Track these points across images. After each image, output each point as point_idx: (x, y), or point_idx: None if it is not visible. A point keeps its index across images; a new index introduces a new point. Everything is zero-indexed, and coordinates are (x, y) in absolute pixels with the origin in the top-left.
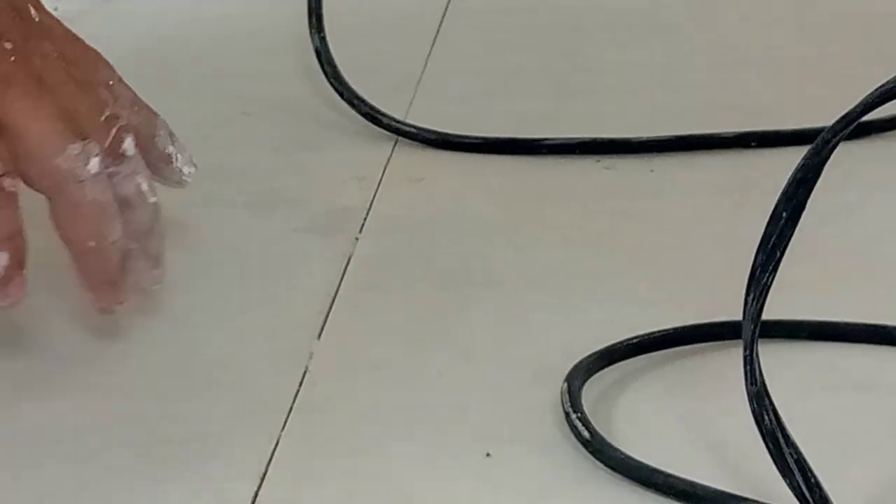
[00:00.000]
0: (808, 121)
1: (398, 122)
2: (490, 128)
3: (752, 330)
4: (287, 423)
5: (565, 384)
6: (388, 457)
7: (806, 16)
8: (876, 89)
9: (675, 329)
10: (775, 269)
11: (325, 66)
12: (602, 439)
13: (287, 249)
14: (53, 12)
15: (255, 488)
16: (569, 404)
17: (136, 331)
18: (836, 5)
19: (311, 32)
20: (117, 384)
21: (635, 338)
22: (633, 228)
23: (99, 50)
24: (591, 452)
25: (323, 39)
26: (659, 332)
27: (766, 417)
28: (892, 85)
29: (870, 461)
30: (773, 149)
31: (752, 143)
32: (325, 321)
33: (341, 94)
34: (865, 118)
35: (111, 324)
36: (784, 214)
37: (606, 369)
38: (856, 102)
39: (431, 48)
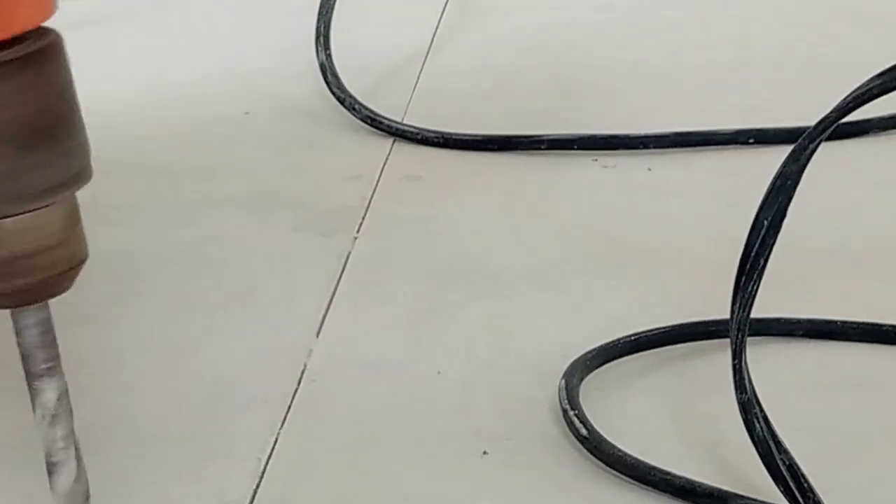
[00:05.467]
0: (806, 119)
1: (398, 123)
2: (488, 126)
3: (740, 339)
4: (286, 421)
5: (563, 381)
6: (386, 454)
7: (804, 15)
8: (850, 94)
9: (673, 327)
10: (759, 277)
11: (329, 76)
12: (599, 436)
13: (286, 248)
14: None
15: (255, 486)
16: (566, 401)
17: (135, 330)
18: (833, 5)
19: (317, 49)
20: (117, 383)
21: (633, 335)
22: (630, 226)
23: (103, 53)
24: (589, 449)
25: (329, 56)
26: (656, 329)
27: (756, 425)
28: (866, 89)
29: (865, 460)
30: (770, 147)
31: (750, 140)
32: (323, 319)
33: (342, 101)
34: (865, 117)
35: (111, 321)
36: (765, 222)
37: (604, 366)
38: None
39: (430, 47)
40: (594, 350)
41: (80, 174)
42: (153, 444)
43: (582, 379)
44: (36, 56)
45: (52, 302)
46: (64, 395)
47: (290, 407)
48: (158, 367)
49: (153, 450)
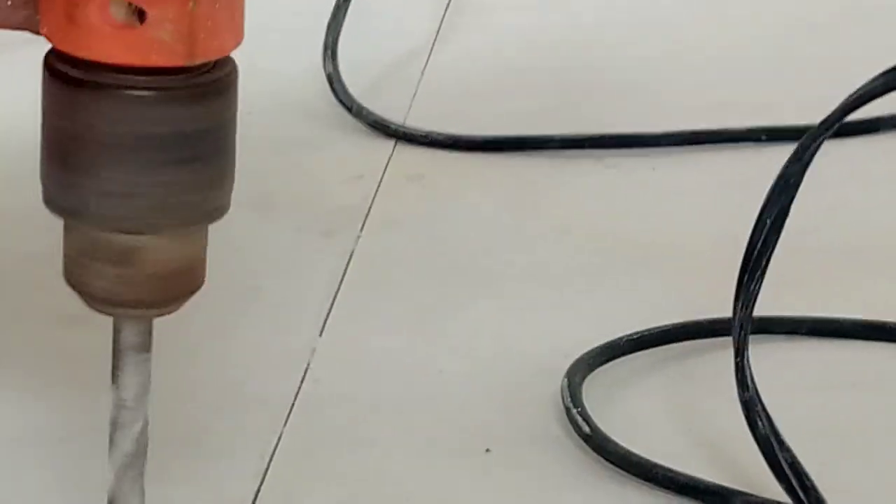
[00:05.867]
0: (816, 118)
1: (405, 128)
2: (491, 126)
3: (742, 337)
4: (288, 421)
5: (566, 379)
6: (389, 454)
7: (805, 15)
8: (853, 93)
9: (676, 325)
10: (762, 276)
11: (335, 85)
12: (603, 434)
13: (289, 248)
14: None
15: (257, 487)
16: (569, 399)
17: None
18: (837, 4)
19: (324, 61)
20: None
21: (636, 333)
22: (633, 225)
23: None
24: (592, 447)
25: (336, 67)
26: (660, 327)
27: (759, 423)
28: (868, 88)
29: (867, 458)
30: (774, 147)
31: (762, 138)
32: (326, 319)
33: (349, 108)
34: (875, 115)
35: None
36: (768, 221)
37: (607, 365)
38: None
39: (432, 47)
40: (597, 348)
41: (226, 204)
42: (155, 445)
43: (585, 377)
44: (219, 84)
45: (44, 303)
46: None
47: (292, 406)
48: (160, 368)
49: (155, 450)
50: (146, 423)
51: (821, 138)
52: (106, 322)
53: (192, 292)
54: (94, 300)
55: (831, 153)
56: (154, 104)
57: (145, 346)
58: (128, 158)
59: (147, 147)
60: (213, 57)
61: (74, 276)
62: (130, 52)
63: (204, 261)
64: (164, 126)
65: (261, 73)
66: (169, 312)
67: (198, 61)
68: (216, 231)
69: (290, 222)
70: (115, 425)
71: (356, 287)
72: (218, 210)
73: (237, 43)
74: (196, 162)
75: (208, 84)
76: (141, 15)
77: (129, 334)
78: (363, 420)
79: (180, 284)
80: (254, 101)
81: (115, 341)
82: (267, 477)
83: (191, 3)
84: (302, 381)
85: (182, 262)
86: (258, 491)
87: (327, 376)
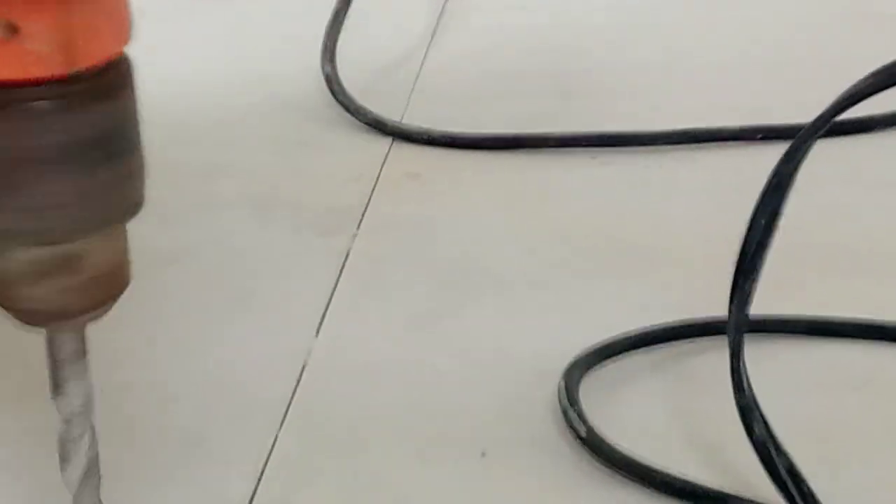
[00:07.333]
0: (808, 119)
1: (402, 126)
2: (488, 126)
3: (738, 340)
4: (284, 422)
5: (562, 380)
6: (385, 455)
7: (805, 15)
8: (844, 93)
9: (673, 325)
10: (756, 277)
11: (334, 86)
12: (599, 436)
13: (285, 248)
14: None
15: (253, 487)
16: (566, 400)
17: (134, 330)
18: (835, 4)
19: (322, 62)
20: (115, 384)
21: (632, 334)
22: (629, 225)
23: None
24: (588, 449)
25: (334, 68)
26: (656, 327)
27: (755, 427)
28: (858, 88)
29: (865, 461)
30: (769, 146)
31: (758, 136)
32: (322, 319)
33: (346, 108)
34: (869, 114)
35: (109, 323)
36: (762, 221)
37: (603, 365)
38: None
39: (428, 46)
40: (593, 349)
41: (141, 199)
42: (151, 446)
43: (581, 378)
44: (112, 84)
45: None
46: (89, 399)
47: (288, 407)
48: (156, 368)
49: (151, 451)
50: (94, 431)
51: (812, 138)
52: (94, 327)
53: (121, 292)
54: (34, 316)
55: (825, 152)
56: (51, 113)
57: (83, 351)
58: (41, 170)
59: (57, 155)
60: (95, 62)
61: (9, 298)
62: (8, 67)
63: (129, 260)
64: (67, 133)
65: (260, 74)
66: (98, 317)
67: (80, 68)
68: (213, 232)
69: (287, 221)
70: (64, 440)
71: (352, 287)
72: (136, 206)
73: (123, 42)
74: (108, 161)
75: (101, 87)
76: (14, 29)
77: (68, 344)
78: (359, 421)
79: (111, 285)
80: (252, 101)
81: (53, 355)
82: (263, 478)
83: (64, 12)
84: (298, 382)
85: (111, 262)
86: (254, 492)
87: (323, 377)
